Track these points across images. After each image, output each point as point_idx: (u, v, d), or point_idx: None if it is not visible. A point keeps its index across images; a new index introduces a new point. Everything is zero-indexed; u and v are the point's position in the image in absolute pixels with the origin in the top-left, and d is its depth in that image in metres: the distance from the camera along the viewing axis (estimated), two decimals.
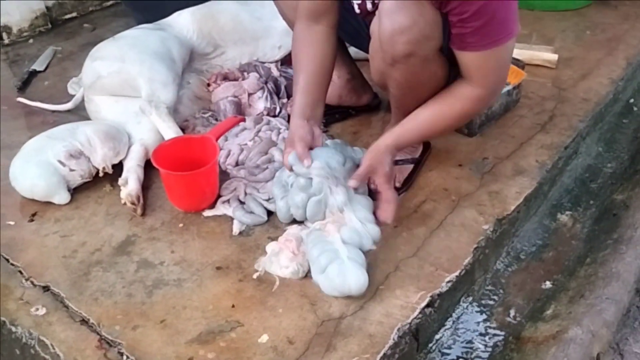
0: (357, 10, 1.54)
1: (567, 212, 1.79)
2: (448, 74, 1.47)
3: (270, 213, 1.57)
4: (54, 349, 1.24)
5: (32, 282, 1.40)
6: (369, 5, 1.51)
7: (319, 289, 1.34)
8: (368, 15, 1.52)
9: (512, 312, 1.48)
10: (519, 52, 2.22)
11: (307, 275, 1.38)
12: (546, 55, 2.29)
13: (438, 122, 1.48)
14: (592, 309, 1.37)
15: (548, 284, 1.55)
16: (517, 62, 2.01)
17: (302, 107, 1.53)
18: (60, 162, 1.61)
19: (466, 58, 1.38)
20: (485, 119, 1.88)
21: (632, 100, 2.35)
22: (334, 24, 1.56)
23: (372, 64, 1.53)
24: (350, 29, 1.67)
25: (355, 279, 1.29)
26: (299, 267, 1.37)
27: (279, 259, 1.39)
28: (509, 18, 1.33)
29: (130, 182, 1.61)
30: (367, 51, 1.55)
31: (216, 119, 1.91)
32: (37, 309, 1.33)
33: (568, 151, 1.87)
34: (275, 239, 1.48)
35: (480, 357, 1.38)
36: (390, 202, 1.45)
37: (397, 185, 1.62)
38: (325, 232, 1.38)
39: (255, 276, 1.39)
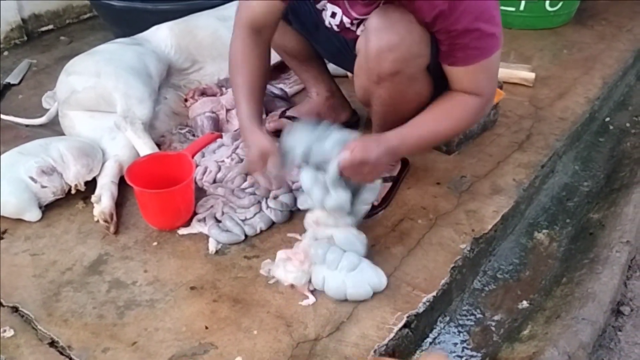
0: (336, 29, 1.53)
1: (544, 231, 1.79)
2: (432, 93, 1.47)
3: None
4: None
5: (0, 303, 1.36)
6: (345, 21, 1.49)
7: (295, 311, 1.33)
8: (344, 31, 1.51)
9: (489, 333, 1.47)
10: None
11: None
12: (523, 73, 2.31)
13: (439, 127, 1.44)
14: (568, 330, 1.37)
15: (525, 304, 1.55)
16: None
17: (254, 115, 1.48)
18: (31, 178, 1.58)
19: (457, 73, 1.38)
20: (464, 137, 1.88)
21: (608, 119, 2.37)
22: (270, 40, 1.53)
23: (356, 80, 1.51)
24: (331, 47, 1.66)
25: (378, 279, 1.38)
26: (302, 274, 1.38)
27: (285, 265, 1.40)
28: (494, 31, 1.34)
29: (104, 200, 1.58)
30: (347, 68, 1.54)
31: (193, 135, 1.89)
32: (5, 331, 1.29)
33: (545, 170, 1.88)
34: (251, 258, 1.48)
35: None
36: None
37: (375, 203, 1.61)
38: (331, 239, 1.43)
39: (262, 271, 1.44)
